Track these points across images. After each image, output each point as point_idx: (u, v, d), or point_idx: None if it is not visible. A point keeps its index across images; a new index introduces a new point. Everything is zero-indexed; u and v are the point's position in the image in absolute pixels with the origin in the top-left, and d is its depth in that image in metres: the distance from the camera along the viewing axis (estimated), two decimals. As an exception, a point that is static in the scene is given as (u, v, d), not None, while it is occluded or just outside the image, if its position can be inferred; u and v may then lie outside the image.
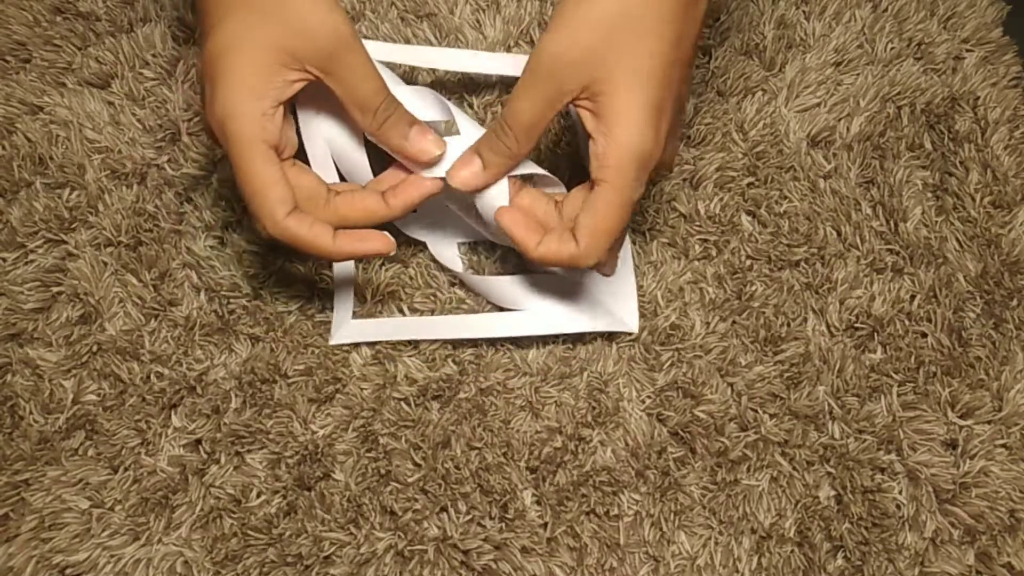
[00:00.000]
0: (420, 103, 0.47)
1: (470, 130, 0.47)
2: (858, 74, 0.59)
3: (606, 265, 0.47)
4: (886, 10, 0.61)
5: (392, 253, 0.45)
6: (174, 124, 0.56)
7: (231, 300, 0.53)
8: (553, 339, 0.53)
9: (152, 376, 0.51)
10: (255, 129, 0.42)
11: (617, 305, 0.51)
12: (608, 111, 0.41)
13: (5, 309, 0.52)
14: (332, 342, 0.52)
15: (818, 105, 0.58)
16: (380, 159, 0.48)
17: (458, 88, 0.57)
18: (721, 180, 0.56)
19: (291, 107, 0.45)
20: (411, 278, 0.53)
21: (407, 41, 0.58)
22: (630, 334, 0.53)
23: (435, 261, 0.54)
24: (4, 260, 0.53)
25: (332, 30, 0.42)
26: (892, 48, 0.60)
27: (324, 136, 0.47)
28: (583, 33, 0.41)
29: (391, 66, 0.51)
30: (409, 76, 0.57)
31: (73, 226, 0.54)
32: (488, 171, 0.45)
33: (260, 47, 0.41)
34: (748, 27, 0.59)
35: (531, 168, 0.47)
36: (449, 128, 0.47)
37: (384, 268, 0.53)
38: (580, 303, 0.51)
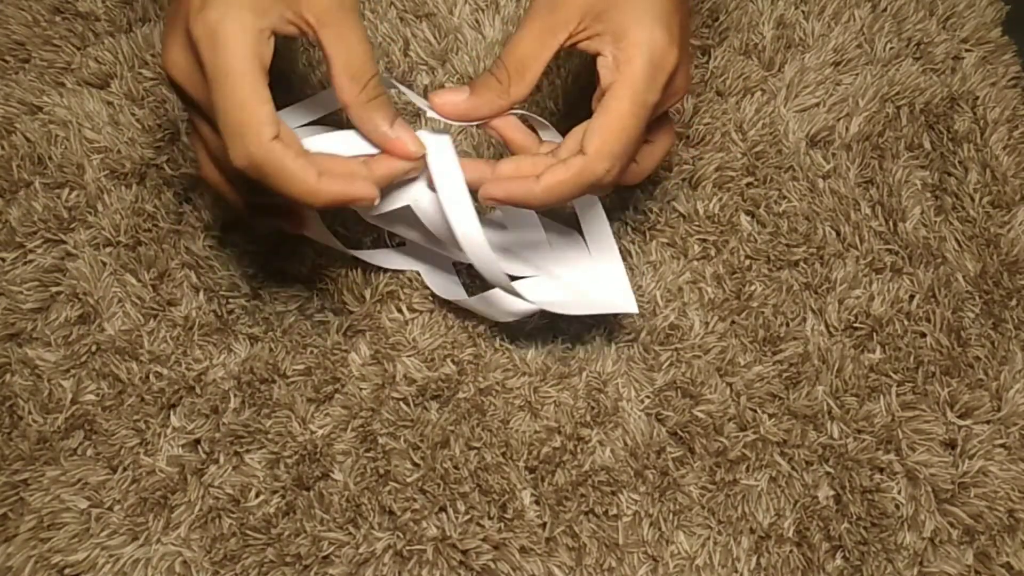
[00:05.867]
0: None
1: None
2: (857, 74, 0.59)
3: (628, 174, 0.44)
4: (885, 10, 0.61)
5: (376, 203, 0.41)
6: (173, 124, 0.56)
7: (230, 300, 0.53)
8: (552, 339, 0.53)
9: (151, 376, 0.51)
10: (252, 43, 0.37)
11: (609, 289, 0.49)
12: (615, 21, 0.40)
13: (4, 309, 0.52)
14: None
15: (817, 105, 0.58)
16: None
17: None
18: (720, 180, 0.56)
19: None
20: (409, 279, 0.53)
21: (406, 41, 0.58)
22: (629, 333, 0.53)
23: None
24: (3, 260, 0.53)
25: None
26: (891, 48, 0.60)
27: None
28: None
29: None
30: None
31: (72, 226, 0.54)
32: (473, 100, 0.42)
33: None
34: (747, 27, 0.59)
35: (535, 119, 0.44)
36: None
37: (383, 269, 0.53)
38: (575, 296, 0.49)
